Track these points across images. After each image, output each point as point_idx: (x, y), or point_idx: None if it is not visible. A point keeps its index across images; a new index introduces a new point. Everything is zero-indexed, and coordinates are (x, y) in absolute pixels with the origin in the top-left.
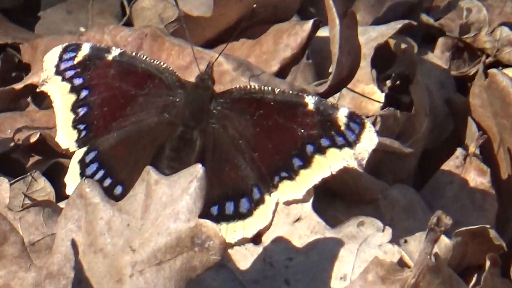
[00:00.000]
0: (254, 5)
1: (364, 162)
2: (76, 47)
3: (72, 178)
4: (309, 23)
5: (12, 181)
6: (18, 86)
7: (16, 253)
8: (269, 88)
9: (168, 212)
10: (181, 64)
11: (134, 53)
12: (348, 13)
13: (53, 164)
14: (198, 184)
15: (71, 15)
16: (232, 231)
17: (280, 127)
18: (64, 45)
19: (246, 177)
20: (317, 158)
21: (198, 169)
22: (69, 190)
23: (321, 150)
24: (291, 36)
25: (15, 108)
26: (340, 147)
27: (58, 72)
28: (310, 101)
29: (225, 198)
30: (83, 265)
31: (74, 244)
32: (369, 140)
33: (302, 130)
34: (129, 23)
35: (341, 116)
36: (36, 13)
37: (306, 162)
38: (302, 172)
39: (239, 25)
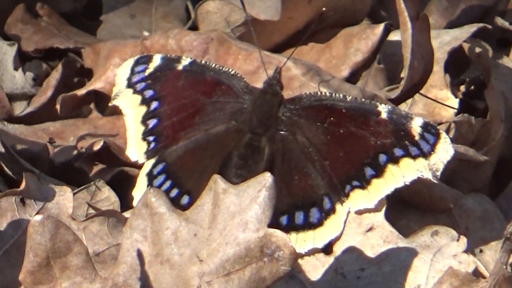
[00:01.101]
0: (324, 9)
1: (438, 173)
2: (148, 59)
3: (140, 192)
4: (380, 27)
5: (75, 190)
6: (81, 92)
7: (80, 264)
8: (341, 95)
9: (236, 221)
10: (249, 69)
11: (203, 61)
12: (420, 17)
13: (117, 172)
14: (267, 193)
15: (134, 19)
16: (302, 241)
17: (351, 135)
18: (136, 58)
19: (317, 186)
20: (390, 168)
21: (267, 178)
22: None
23: (395, 160)
24: (361, 40)
25: (77, 115)
26: (414, 157)
27: (130, 85)
28: (383, 110)
29: (295, 208)
30: (149, 276)
31: (140, 255)
32: (444, 151)
33: (375, 139)
34: (194, 27)
35: (416, 126)
36: (97, 17)
37: (379, 172)
38: (374, 181)
39: (308, 29)
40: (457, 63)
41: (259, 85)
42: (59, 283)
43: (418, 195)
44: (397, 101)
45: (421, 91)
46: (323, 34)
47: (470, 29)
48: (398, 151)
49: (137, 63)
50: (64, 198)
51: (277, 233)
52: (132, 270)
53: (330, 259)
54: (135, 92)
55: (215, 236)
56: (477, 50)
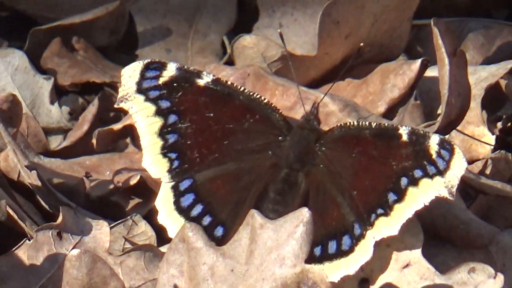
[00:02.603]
0: (361, 44)
1: (454, 190)
2: (160, 66)
3: (164, 205)
4: (417, 63)
5: (112, 225)
6: (117, 126)
7: None
8: (366, 122)
9: (273, 257)
10: (286, 105)
11: (229, 82)
12: (457, 53)
13: (153, 207)
14: (305, 229)
15: (170, 53)
16: (335, 270)
17: (376, 162)
18: (146, 61)
19: (347, 215)
20: (410, 191)
21: (304, 213)
22: (161, 218)
23: (414, 182)
24: (398, 76)
25: (113, 149)
26: (431, 176)
27: (141, 90)
28: (404, 132)
29: (328, 237)
30: None
31: None
32: (458, 166)
33: (397, 163)
34: (230, 62)
35: (433, 144)
36: (134, 51)
37: (400, 196)
38: (396, 206)
39: (345, 65)
40: (493, 99)
41: (296, 120)
42: None
43: (454, 232)
44: None
45: (458, 128)
46: (360, 70)
47: (507, 65)
48: (417, 172)
49: (147, 67)
50: (101, 232)
51: (314, 269)
52: None
53: None
54: (148, 99)
55: (252, 271)
56: None
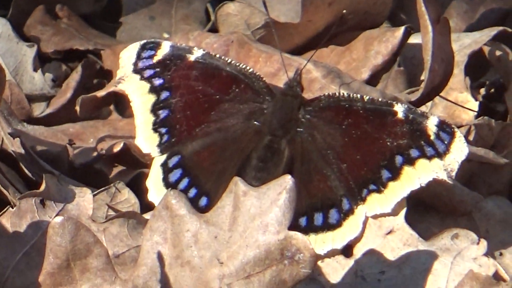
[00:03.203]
0: (344, 11)
1: (454, 173)
2: (155, 45)
3: (154, 183)
4: (401, 30)
5: (95, 192)
6: (100, 93)
7: (100, 265)
8: (358, 95)
9: (256, 224)
10: (269, 71)
11: (218, 55)
12: (441, 20)
13: (137, 174)
14: (288, 196)
15: (153, 20)
16: (321, 242)
17: (369, 137)
18: (142, 42)
19: (335, 188)
20: (406, 170)
21: (287, 180)
22: (151, 196)
23: (410, 161)
24: (382, 43)
25: (97, 116)
26: (429, 158)
27: (137, 70)
28: (400, 110)
29: (314, 209)
30: (170, 278)
31: (160, 257)
32: (459, 150)
33: (391, 140)
34: (214, 29)
35: (431, 125)
36: (117, 18)
37: (395, 174)
38: (391, 184)
39: (328, 32)
40: (477, 66)
41: (280, 87)
42: (79, 285)
43: (438, 198)
44: (417, 104)
45: (441, 94)
46: (343, 37)
47: (490, 32)
48: (414, 152)
49: (143, 48)
50: (84, 200)
51: (298, 235)
52: (152, 273)
53: (350, 262)
54: (143, 78)
55: (236, 238)
56: (497, 53)
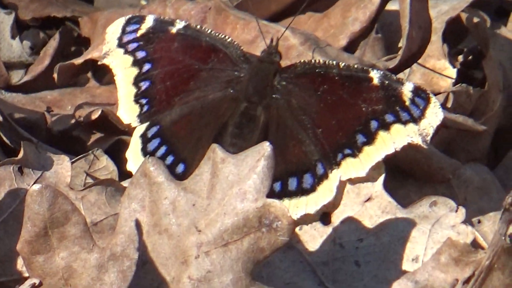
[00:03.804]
0: None
1: (428, 138)
2: (140, 19)
3: (133, 153)
4: None
5: (73, 159)
6: (78, 61)
7: (78, 233)
8: (334, 62)
9: (235, 191)
10: (246, 38)
11: (199, 27)
12: None
13: (115, 141)
14: (266, 163)
15: None
16: (295, 207)
17: (344, 103)
18: (128, 17)
19: (310, 153)
20: (381, 135)
21: (265, 147)
22: (130, 166)
23: (385, 126)
24: (359, 9)
25: (75, 83)
26: (404, 123)
27: (121, 44)
28: (375, 76)
29: (288, 174)
30: (148, 246)
31: (138, 225)
32: (434, 115)
33: (367, 106)
34: None
35: (406, 91)
36: None
37: (370, 139)
38: (366, 149)
39: None
40: (455, 33)
41: (258, 54)
42: (56, 253)
43: (416, 165)
44: (395, 71)
45: (419, 61)
46: (321, 4)
47: None
48: (389, 117)
49: (128, 22)
50: (62, 167)
51: (276, 203)
52: (130, 240)
53: (328, 230)
54: (127, 52)
55: (214, 206)
56: (475, 20)
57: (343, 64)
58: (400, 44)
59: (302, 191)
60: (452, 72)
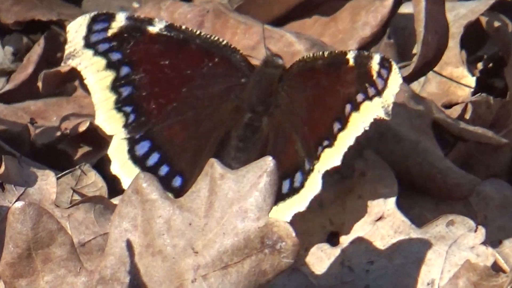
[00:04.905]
0: None
1: (390, 109)
2: (108, 17)
3: (116, 154)
4: None
5: (59, 175)
6: (64, 68)
7: (64, 255)
8: (320, 52)
9: (235, 209)
10: (248, 44)
11: (184, 27)
12: None
13: (104, 156)
14: (269, 179)
15: None
16: (288, 208)
17: (326, 93)
18: (93, 14)
19: (299, 152)
20: (353, 116)
21: (268, 162)
22: (114, 168)
23: (356, 107)
24: (370, 12)
25: (61, 93)
26: (371, 98)
27: (89, 45)
28: (351, 56)
29: (283, 177)
30: (140, 269)
31: (129, 245)
32: (394, 83)
33: (344, 90)
34: None
35: (374, 64)
36: None
37: (344, 124)
38: (340, 135)
39: (311, 1)
40: (474, 38)
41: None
42: (41, 276)
43: (432, 181)
44: (409, 79)
45: (435, 69)
46: (328, 6)
47: (488, 1)
48: (360, 96)
49: (94, 20)
50: (47, 183)
51: (280, 222)
52: (120, 263)
53: (336, 251)
54: (97, 53)
55: (212, 225)
56: (496, 24)
57: (327, 52)
58: (414, 51)
59: (293, 191)
60: (471, 81)
